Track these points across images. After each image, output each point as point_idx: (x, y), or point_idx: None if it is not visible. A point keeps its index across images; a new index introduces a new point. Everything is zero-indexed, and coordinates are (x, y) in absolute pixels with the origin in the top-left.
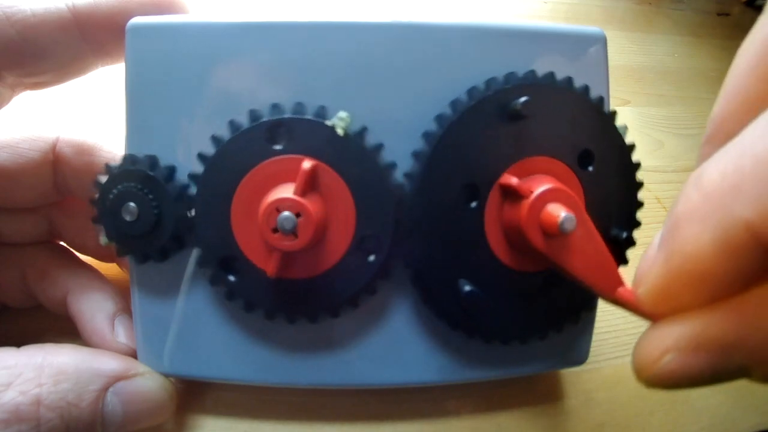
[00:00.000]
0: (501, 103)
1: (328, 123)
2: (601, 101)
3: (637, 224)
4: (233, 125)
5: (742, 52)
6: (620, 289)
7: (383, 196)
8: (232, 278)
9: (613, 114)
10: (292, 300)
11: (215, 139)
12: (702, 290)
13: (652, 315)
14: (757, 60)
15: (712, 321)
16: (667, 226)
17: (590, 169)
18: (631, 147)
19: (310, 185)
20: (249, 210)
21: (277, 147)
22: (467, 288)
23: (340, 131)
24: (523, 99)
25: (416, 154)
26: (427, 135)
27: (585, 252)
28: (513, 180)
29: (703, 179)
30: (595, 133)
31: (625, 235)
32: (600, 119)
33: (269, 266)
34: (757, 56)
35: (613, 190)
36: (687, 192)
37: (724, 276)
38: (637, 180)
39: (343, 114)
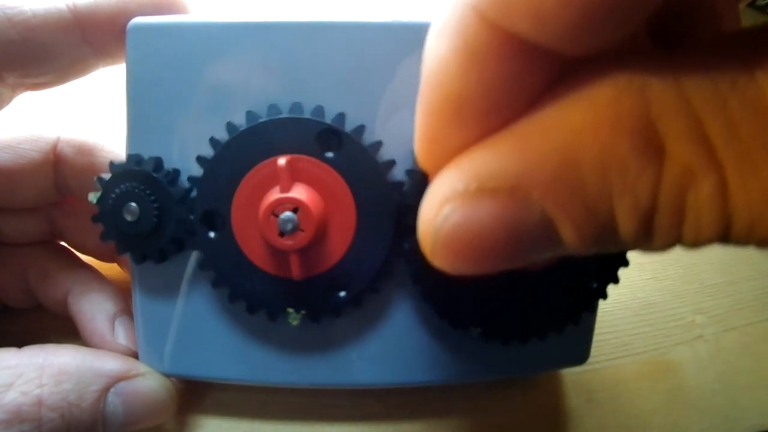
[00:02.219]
0: None
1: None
2: None
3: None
4: (231, 127)
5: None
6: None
7: (383, 195)
8: (238, 284)
9: None
10: (293, 300)
11: (214, 142)
12: (468, 121)
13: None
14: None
15: (489, 155)
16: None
17: None
18: None
19: (293, 178)
20: (249, 210)
21: (278, 147)
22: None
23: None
24: None
25: (408, 172)
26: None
27: None
28: None
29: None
30: None
31: (595, 285)
32: None
33: (294, 268)
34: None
35: None
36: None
37: (482, 92)
38: None
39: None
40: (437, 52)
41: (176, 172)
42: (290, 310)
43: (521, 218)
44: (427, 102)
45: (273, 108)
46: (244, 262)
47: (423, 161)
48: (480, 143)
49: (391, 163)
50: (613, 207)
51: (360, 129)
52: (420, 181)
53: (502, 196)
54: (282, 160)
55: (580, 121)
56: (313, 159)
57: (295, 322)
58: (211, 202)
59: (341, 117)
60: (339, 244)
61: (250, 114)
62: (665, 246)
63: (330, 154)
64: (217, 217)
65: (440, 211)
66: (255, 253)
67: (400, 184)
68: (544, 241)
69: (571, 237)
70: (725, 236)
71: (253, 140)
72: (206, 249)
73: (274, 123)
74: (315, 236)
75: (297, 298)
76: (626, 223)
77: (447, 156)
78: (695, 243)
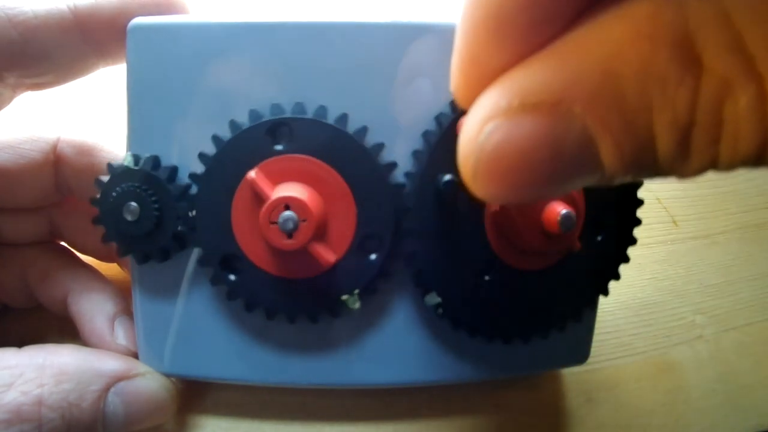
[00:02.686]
0: None
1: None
2: None
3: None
4: (234, 125)
5: None
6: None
7: (384, 196)
8: (232, 278)
9: None
10: (292, 300)
11: (216, 139)
12: (509, 38)
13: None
14: None
15: (531, 72)
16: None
17: None
18: None
19: (273, 182)
20: (250, 210)
21: (278, 147)
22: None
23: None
24: None
25: (416, 153)
26: (426, 134)
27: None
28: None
29: None
30: None
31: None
32: None
33: (322, 257)
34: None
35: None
36: None
37: (525, 7)
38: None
39: None
40: None
41: (173, 169)
42: (344, 297)
43: (563, 134)
44: (470, 21)
45: (276, 107)
46: (247, 265)
47: (462, 87)
48: (521, 63)
49: (393, 165)
50: (653, 122)
51: (362, 131)
52: (422, 186)
53: (545, 110)
54: (252, 173)
55: (620, 35)
56: (313, 159)
57: (356, 306)
58: (214, 203)
59: (344, 118)
60: (339, 244)
61: (253, 112)
62: (701, 168)
63: (331, 155)
64: (218, 181)
65: (483, 129)
66: (255, 253)
67: (400, 185)
68: (585, 163)
69: (611, 157)
70: (762, 153)
71: (254, 139)
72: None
73: (277, 122)
74: (318, 223)
75: (296, 299)
76: (665, 139)
77: (487, 79)
78: (731, 162)
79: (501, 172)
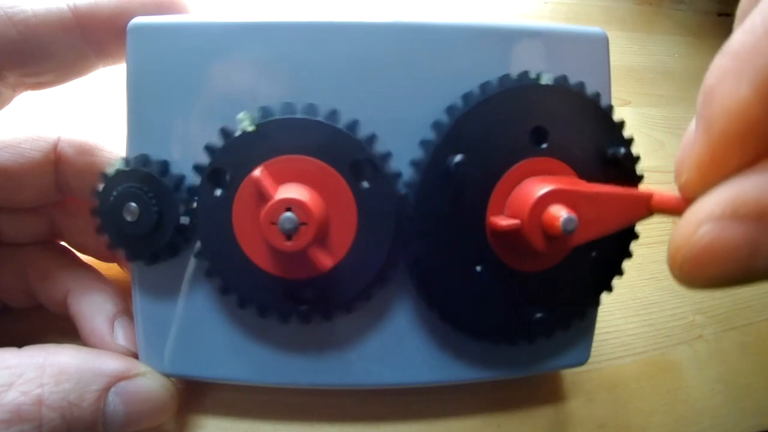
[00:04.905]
0: (492, 110)
1: (237, 133)
2: (580, 86)
3: (630, 141)
4: (224, 133)
5: None
6: (655, 199)
7: (385, 197)
8: (232, 277)
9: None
10: (292, 300)
11: (224, 132)
12: (750, 147)
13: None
14: None
15: (750, 181)
16: (701, 101)
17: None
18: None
19: (276, 182)
20: (250, 209)
21: (279, 147)
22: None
23: (249, 128)
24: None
25: (424, 143)
26: (424, 143)
27: (601, 215)
28: (501, 223)
29: (728, 46)
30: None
31: (623, 150)
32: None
33: (319, 261)
34: None
35: (593, 115)
36: (715, 63)
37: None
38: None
39: (240, 115)
40: (736, 94)
41: (173, 168)
42: (240, 115)
43: (762, 240)
44: (716, 128)
45: (286, 106)
46: (244, 261)
47: (695, 184)
48: (740, 173)
49: (397, 175)
50: None
51: (372, 138)
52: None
53: (751, 221)
54: (257, 171)
55: None
56: (316, 161)
57: (250, 127)
58: (214, 203)
59: (354, 124)
60: (340, 245)
61: (263, 110)
62: None
63: (334, 157)
64: (222, 176)
65: (698, 229)
66: (255, 253)
67: (403, 195)
68: None
69: None
70: None
71: (257, 138)
72: (208, 246)
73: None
74: (319, 227)
75: (295, 299)
76: None
77: (720, 178)
78: None
79: (705, 263)
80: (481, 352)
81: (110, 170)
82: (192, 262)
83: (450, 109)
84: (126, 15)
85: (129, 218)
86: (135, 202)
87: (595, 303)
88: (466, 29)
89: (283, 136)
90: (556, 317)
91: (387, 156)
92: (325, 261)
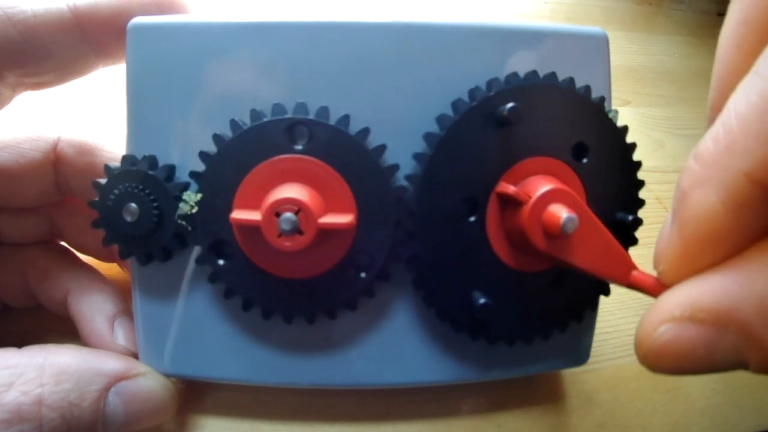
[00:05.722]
0: (489, 111)
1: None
2: (586, 91)
3: (641, 203)
4: (234, 124)
5: (723, 32)
6: (634, 273)
7: (385, 197)
8: (221, 262)
9: (602, 101)
10: (291, 300)
11: (217, 138)
12: (719, 250)
13: None
14: (737, 38)
15: (708, 285)
16: (676, 199)
17: (585, 160)
18: (624, 130)
19: (277, 182)
20: (250, 209)
21: (279, 147)
22: (482, 300)
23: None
24: (509, 105)
25: (417, 156)
26: (428, 136)
27: (592, 246)
28: (510, 188)
29: (699, 150)
30: (587, 125)
31: (630, 218)
32: (590, 111)
33: (298, 269)
34: (737, 34)
35: (611, 177)
36: (688, 166)
37: (736, 232)
38: (634, 161)
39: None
40: (705, 202)
41: (172, 169)
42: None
43: (717, 342)
44: (688, 231)
45: (277, 107)
46: (247, 264)
47: (670, 278)
48: (703, 274)
49: (394, 167)
50: None
51: (364, 132)
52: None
53: (706, 325)
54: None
55: None
56: (316, 160)
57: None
58: (214, 202)
59: (346, 119)
60: (339, 246)
61: (254, 112)
62: None
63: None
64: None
65: (658, 328)
66: (257, 255)
67: (402, 187)
68: (733, 363)
69: (758, 364)
70: None
71: (255, 139)
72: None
73: (278, 122)
74: (313, 241)
75: (295, 299)
76: None
77: (691, 273)
78: None
79: (664, 359)
80: (481, 352)
81: (113, 166)
82: (192, 262)
83: (440, 119)
84: (126, 15)
85: (129, 218)
86: (135, 203)
87: (594, 305)
88: (465, 29)
89: (277, 137)
90: (555, 318)
91: (382, 149)
92: (302, 271)
